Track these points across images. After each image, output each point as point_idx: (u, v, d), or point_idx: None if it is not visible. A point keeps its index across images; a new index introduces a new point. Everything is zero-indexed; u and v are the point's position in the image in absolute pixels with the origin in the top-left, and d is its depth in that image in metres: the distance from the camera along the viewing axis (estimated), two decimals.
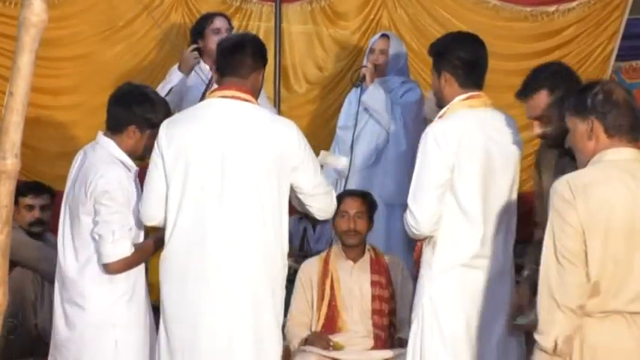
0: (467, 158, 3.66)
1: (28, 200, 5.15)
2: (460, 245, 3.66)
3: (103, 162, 3.78)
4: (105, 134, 3.87)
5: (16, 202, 4.91)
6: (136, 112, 3.83)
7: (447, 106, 3.77)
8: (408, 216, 3.68)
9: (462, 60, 3.76)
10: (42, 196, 5.22)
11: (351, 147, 5.15)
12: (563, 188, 3.02)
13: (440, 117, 3.77)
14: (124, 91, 3.96)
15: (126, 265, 3.71)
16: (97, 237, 3.71)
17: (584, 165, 3.14)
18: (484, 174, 3.69)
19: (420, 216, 3.64)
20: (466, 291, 3.68)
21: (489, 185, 3.71)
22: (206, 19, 5.31)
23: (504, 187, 3.76)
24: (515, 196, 3.84)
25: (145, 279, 3.90)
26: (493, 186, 3.72)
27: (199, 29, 5.27)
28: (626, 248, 2.99)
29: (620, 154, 3.09)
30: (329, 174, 4.52)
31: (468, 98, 3.75)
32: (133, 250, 3.72)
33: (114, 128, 3.86)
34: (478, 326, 3.68)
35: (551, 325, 2.99)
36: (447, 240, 3.67)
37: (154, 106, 3.90)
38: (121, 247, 3.69)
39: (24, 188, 5.12)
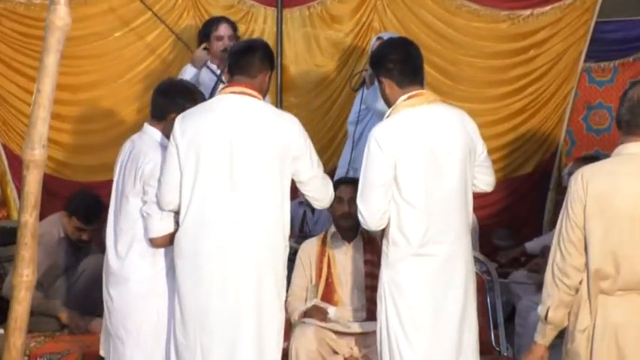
0: (408, 155, 3.57)
1: (79, 224, 4.94)
2: (409, 237, 3.58)
3: (150, 148, 3.82)
4: (150, 123, 3.94)
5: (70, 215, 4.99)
6: (178, 102, 3.88)
7: (391, 108, 3.68)
8: (358, 213, 3.65)
9: (393, 62, 3.66)
10: (94, 224, 4.96)
11: (353, 141, 5.15)
12: (577, 180, 3.03)
13: (386, 118, 3.69)
14: (167, 84, 4.12)
15: (170, 240, 3.70)
16: (145, 214, 3.75)
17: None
18: (426, 168, 3.58)
19: (366, 213, 3.60)
20: (418, 277, 3.60)
21: (434, 178, 3.59)
22: (212, 24, 5.24)
23: (452, 178, 3.62)
24: (468, 183, 3.69)
25: None
26: (439, 178, 3.60)
27: (206, 32, 5.21)
28: (632, 233, 2.96)
29: (634, 148, 3.02)
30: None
31: (408, 98, 3.64)
32: (175, 227, 3.72)
33: (158, 116, 3.93)
34: (432, 307, 3.60)
35: (548, 298, 3.09)
36: (397, 232, 3.60)
37: (194, 97, 3.97)
38: (166, 224, 3.72)
39: (82, 211, 4.93)
